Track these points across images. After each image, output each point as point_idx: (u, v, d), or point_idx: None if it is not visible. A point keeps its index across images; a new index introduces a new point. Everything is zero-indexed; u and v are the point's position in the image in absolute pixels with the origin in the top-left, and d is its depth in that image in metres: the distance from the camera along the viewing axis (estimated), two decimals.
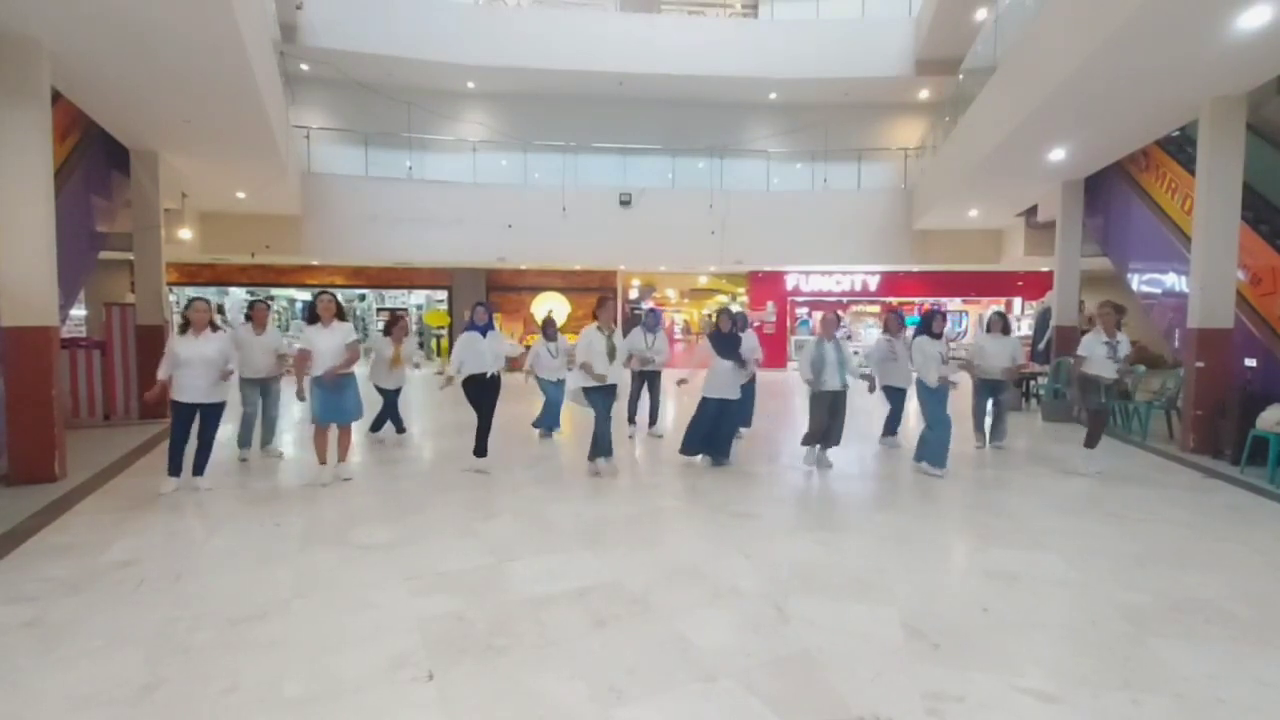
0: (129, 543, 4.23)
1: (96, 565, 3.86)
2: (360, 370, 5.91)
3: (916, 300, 16.94)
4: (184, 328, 5.33)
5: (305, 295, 17.02)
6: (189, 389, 5.26)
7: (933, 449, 6.06)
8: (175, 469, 5.35)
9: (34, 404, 5.73)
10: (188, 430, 5.36)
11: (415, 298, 17.94)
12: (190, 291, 16.59)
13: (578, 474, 6.13)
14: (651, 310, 8.97)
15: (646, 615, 3.27)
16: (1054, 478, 6.10)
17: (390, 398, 7.37)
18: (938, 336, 6.24)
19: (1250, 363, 7.04)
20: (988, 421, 7.47)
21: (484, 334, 6.02)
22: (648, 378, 7.74)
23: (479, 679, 2.70)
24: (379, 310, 17.53)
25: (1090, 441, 6.22)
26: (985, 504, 5.29)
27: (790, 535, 4.53)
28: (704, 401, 6.31)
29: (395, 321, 7.52)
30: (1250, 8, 5.28)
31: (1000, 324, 7.36)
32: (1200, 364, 7.01)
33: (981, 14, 12.29)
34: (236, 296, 17.07)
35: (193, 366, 5.22)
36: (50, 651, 2.90)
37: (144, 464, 6.49)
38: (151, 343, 9.00)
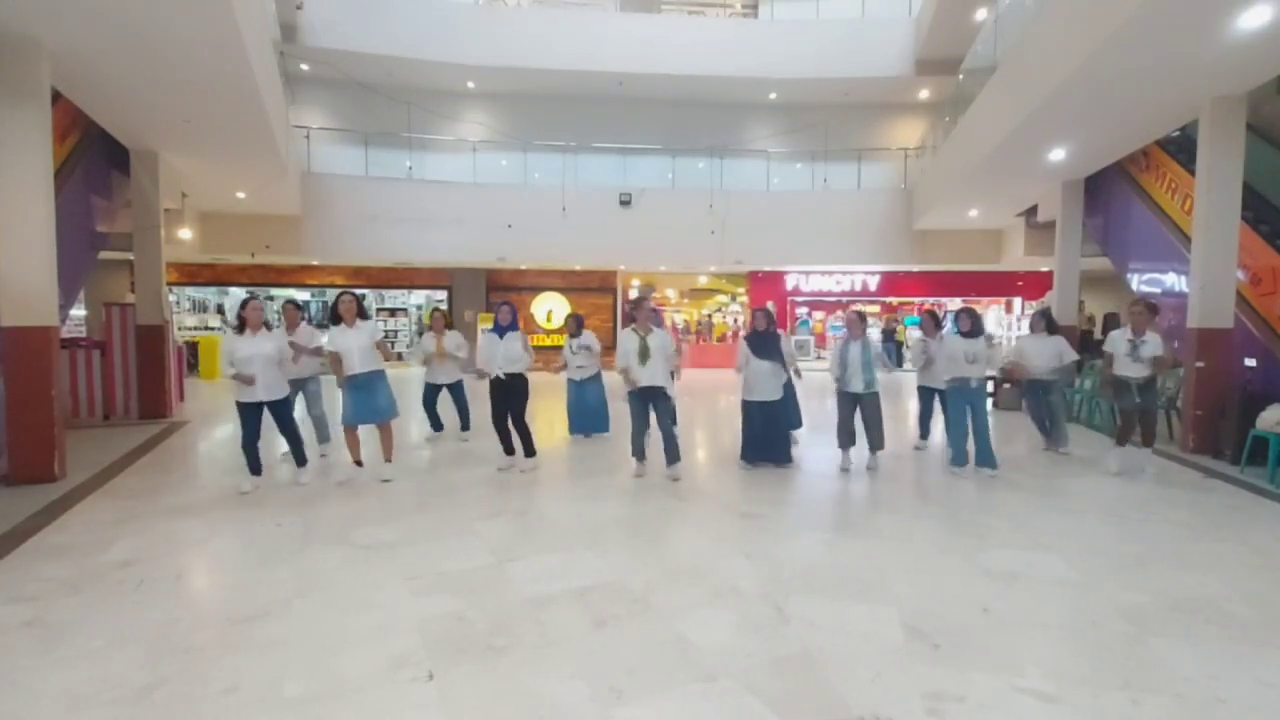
0: (129, 543, 4.23)
1: (96, 565, 3.86)
2: (413, 370, 5.94)
3: (916, 300, 16.94)
4: (240, 327, 5.34)
5: (305, 295, 17.02)
6: (250, 388, 5.27)
7: (952, 449, 6.11)
8: (255, 468, 5.45)
9: (34, 404, 5.74)
10: (258, 429, 5.40)
11: (415, 298, 17.94)
12: (190, 291, 16.62)
13: (578, 474, 6.13)
14: (655, 310, 8.83)
15: (646, 615, 3.27)
16: (1054, 477, 6.09)
17: (432, 393, 7.52)
18: (968, 335, 6.05)
19: (1250, 363, 7.04)
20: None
21: (502, 335, 6.00)
22: None
23: (479, 679, 2.70)
24: (379, 310, 17.53)
25: (1119, 439, 6.22)
26: (985, 504, 5.29)
27: (791, 535, 4.53)
28: (745, 406, 6.22)
29: (432, 314, 7.69)
30: (1250, 8, 5.28)
31: (1042, 323, 7.06)
32: (1200, 364, 7.00)
33: (981, 14, 12.30)
34: (237, 297, 17.08)
35: (253, 365, 5.23)
36: (50, 651, 2.91)
37: (144, 464, 6.49)
38: (151, 343, 9.02)
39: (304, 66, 13.66)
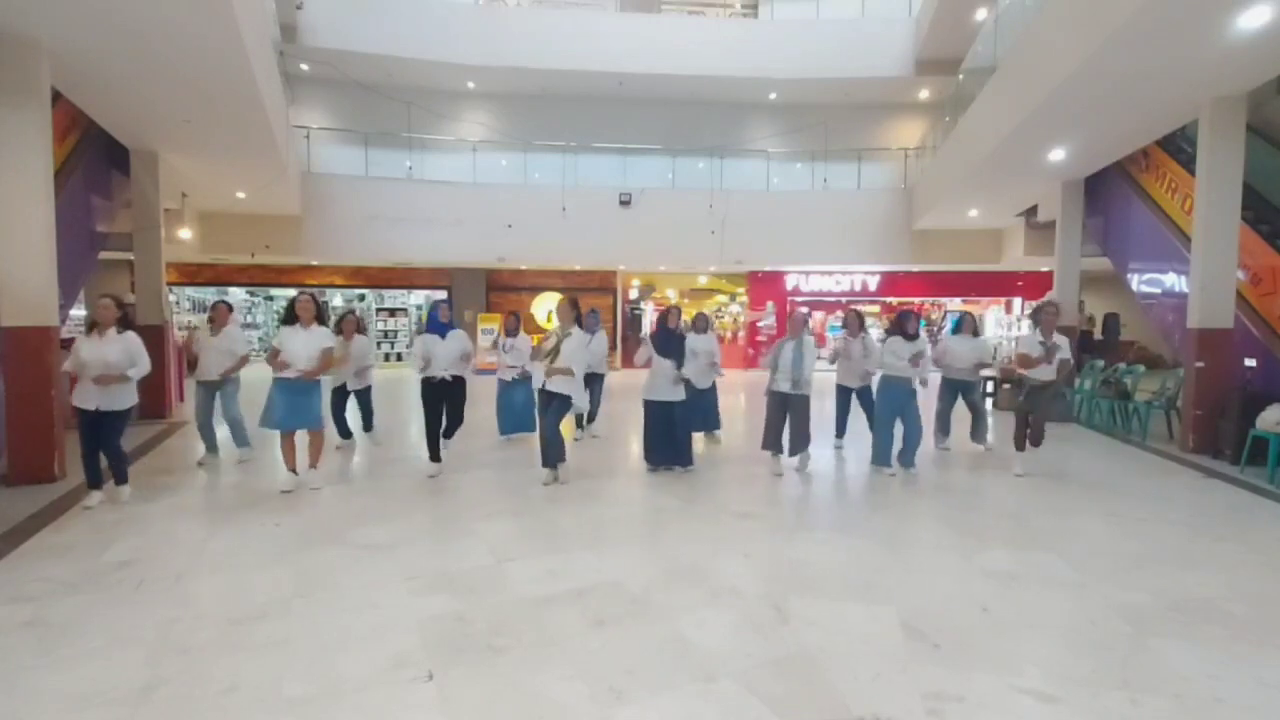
0: (129, 543, 4.23)
1: (96, 565, 3.86)
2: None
3: (916, 300, 16.94)
4: (89, 327, 4.94)
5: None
6: (85, 393, 4.80)
7: (876, 448, 6.18)
8: (95, 480, 4.98)
9: (34, 404, 5.73)
10: (92, 439, 4.90)
11: (415, 298, 17.94)
12: (190, 291, 16.62)
13: (575, 475, 6.12)
14: (592, 310, 8.48)
15: (646, 615, 3.27)
16: (1053, 478, 6.09)
17: (340, 399, 7.16)
18: (912, 338, 6.14)
19: (1250, 363, 7.04)
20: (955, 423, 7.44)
21: (444, 335, 5.86)
22: (589, 380, 7.13)
23: (479, 679, 2.70)
24: (378, 310, 17.55)
25: (1017, 443, 6.16)
26: (984, 504, 5.29)
27: (790, 535, 4.53)
28: (645, 405, 6.14)
29: (343, 318, 7.23)
30: (1250, 8, 5.28)
31: (970, 325, 7.39)
32: (1200, 364, 7.01)
33: (981, 14, 12.29)
34: (237, 297, 17.09)
35: (92, 370, 4.76)
36: (50, 651, 2.91)
37: (144, 464, 6.48)
38: (151, 343, 8.99)
39: (304, 66, 13.66)
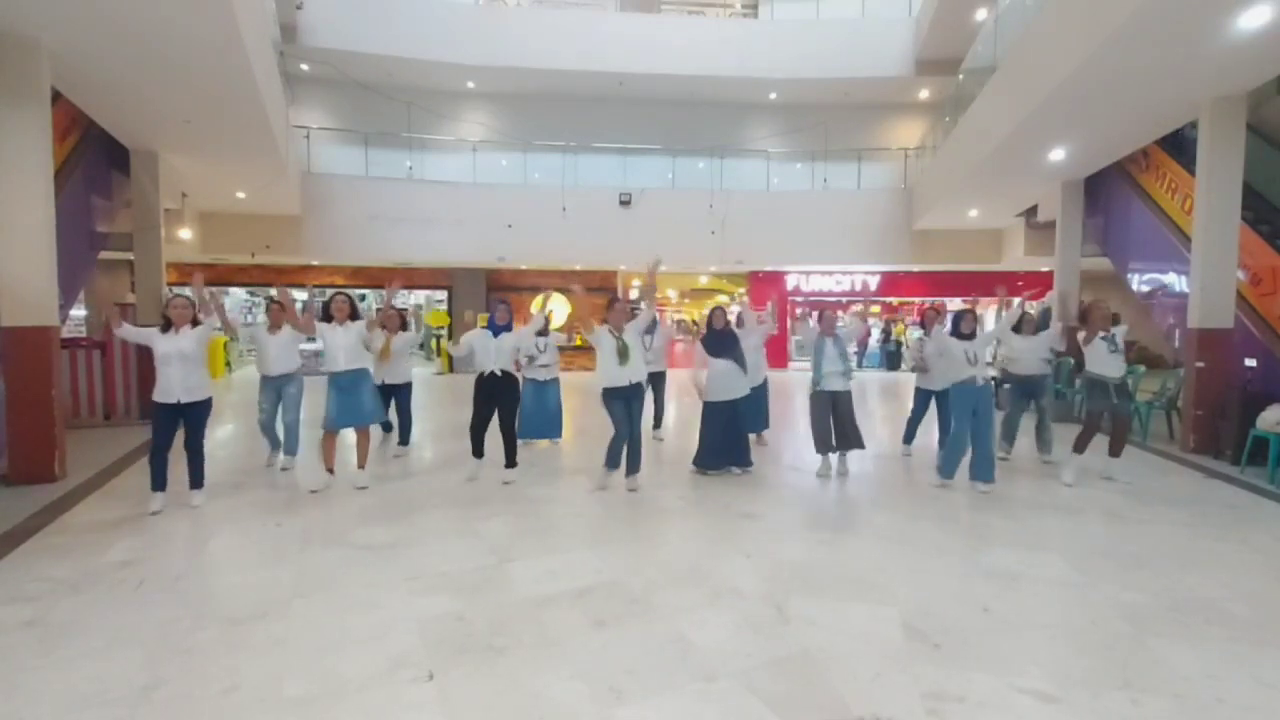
0: (129, 543, 4.23)
1: (96, 565, 3.86)
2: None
3: (916, 300, 16.93)
4: (164, 326, 4.95)
5: (305, 295, 17.04)
6: (165, 388, 4.79)
7: (946, 458, 5.78)
8: (161, 482, 4.91)
9: (34, 404, 5.74)
10: (170, 435, 4.88)
11: (415, 298, 17.92)
12: (190, 292, 16.59)
13: (578, 474, 6.12)
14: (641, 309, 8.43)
15: (646, 615, 3.27)
16: (1053, 478, 6.08)
17: (383, 395, 6.95)
18: (967, 336, 5.81)
19: (1250, 363, 7.04)
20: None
21: (496, 334, 5.86)
22: (649, 379, 7.37)
23: (479, 679, 2.70)
24: (378, 310, 17.55)
25: (1078, 445, 5.94)
26: (985, 504, 5.29)
27: (791, 535, 4.53)
28: (708, 407, 6.08)
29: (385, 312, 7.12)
30: (1250, 8, 5.28)
31: (1031, 322, 7.03)
32: (1200, 364, 7.01)
33: (981, 14, 12.30)
34: (237, 297, 17.10)
35: (170, 363, 4.79)
36: (50, 651, 2.91)
37: (144, 464, 6.42)
38: None
39: (304, 66, 13.66)
